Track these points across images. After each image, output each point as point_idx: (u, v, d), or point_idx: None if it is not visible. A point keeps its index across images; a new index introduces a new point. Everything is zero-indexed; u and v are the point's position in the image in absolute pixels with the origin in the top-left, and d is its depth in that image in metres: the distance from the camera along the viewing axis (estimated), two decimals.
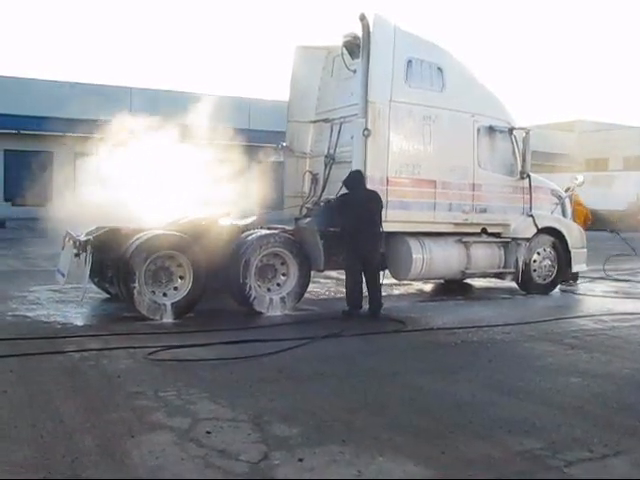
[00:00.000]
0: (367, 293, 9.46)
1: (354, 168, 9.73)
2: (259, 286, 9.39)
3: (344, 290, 9.79)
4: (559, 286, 12.55)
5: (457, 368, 6.69)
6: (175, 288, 8.91)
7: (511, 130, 11.52)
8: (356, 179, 9.46)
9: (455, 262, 10.96)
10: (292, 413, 5.11)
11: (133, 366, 6.42)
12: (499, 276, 11.91)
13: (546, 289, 12.14)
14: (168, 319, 8.66)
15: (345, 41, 10.37)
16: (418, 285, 12.69)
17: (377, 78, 9.84)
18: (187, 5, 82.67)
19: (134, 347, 7.02)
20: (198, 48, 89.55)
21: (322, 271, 10.32)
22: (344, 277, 9.88)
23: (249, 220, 10.07)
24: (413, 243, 10.41)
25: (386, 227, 9.91)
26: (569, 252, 12.36)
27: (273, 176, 11.55)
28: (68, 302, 9.72)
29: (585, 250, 12.66)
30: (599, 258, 14.89)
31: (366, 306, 9.40)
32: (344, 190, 9.58)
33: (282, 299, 9.47)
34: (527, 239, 11.71)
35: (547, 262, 12.10)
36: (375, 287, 9.46)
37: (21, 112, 28.71)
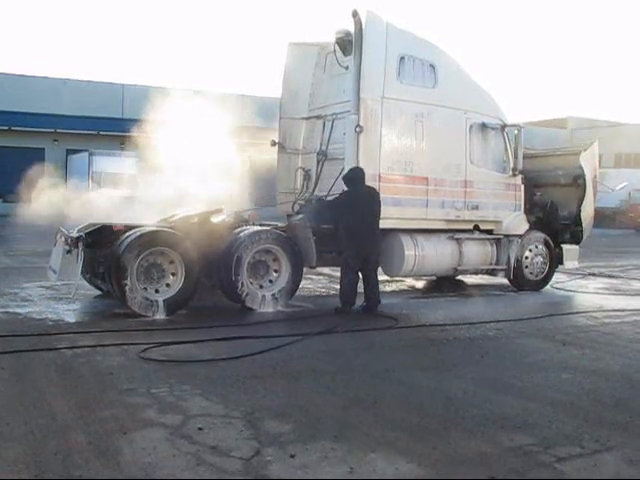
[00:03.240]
0: (364, 290, 9.46)
1: (346, 165, 9.74)
2: (251, 283, 9.37)
3: (337, 287, 9.78)
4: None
5: (449, 365, 6.70)
6: (167, 285, 8.89)
7: (503, 127, 11.55)
8: (358, 176, 9.43)
9: (447, 259, 10.98)
10: (284, 410, 5.11)
11: (125, 363, 6.40)
12: (491, 273, 11.93)
13: (538, 286, 12.19)
14: (160, 316, 8.63)
15: (337, 38, 10.36)
16: (410, 282, 12.71)
17: (369, 75, 9.83)
18: (180, 1, 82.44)
19: (126, 344, 7.01)
20: (191, 44, 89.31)
21: (314, 268, 10.30)
22: (338, 274, 9.86)
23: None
24: (405, 240, 10.43)
25: None
26: (561, 249, 12.43)
27: (265, 173, 11.53)
28: (60, 299, 9.68)
29: (577, 247, 12.72)
30: (591, 255, 14.94)
31: (358, 303, 9.40)
32: (343, 187, 9.56)
33: (274, 296, 9.44)
34: (519, 236, 11.74)
35: (539, 259, 12.14)
36: (374, 284, 9.46)
37: (12, 108, 28.57)
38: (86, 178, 23.60)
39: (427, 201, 10.58)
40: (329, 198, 10.05)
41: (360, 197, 9.36)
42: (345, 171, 9.64)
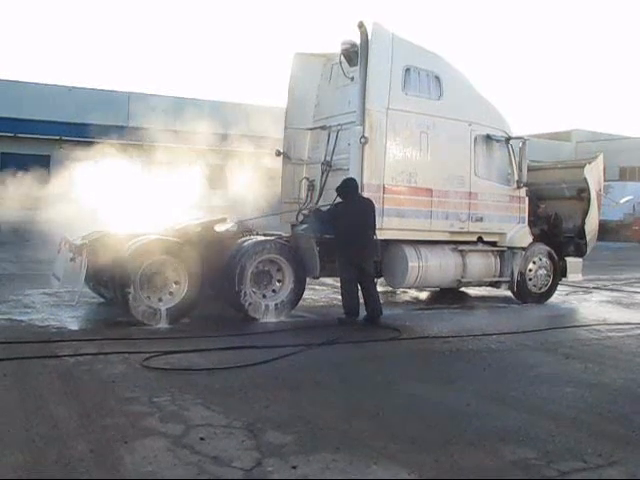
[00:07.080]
0: (364, 301, 9.44)
1: (351, 175, 9.74)
2: (254, 292, 9.37)
3: (340, 297, 9.77)
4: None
5: (452, 377, 6.68)
6: (170, 293, 8.89)
7: (508, 139, 11.55)
8: (350, 187, 9.44)
9: (451, 271, 10.96)
10: (286, 420, 5.10)
11: (127, 371, 6.39)
12: (494, 285, 11.91)
13: (541, 298, 12.16)
14: (163, 324, 8.64)
15: (343, 49, 10.39)
16: (413, 293, 12.69)
17: (375, 86, 9.86)
18: (187, 10, 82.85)
19: (129, 352, 7.00)
20: (197, 54, 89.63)
21: (317, 278, 10.29)
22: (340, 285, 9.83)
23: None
24: (409, 251, 10.41)
25: (382, 235, 9.91)
26: (565, 261, 12.42)
27: (270, 182, 11.53)
28: (63, 306, 9.69)
29: (581, 260, 12.70)
30: (595, 268, 14.91)
31: (363, 314, 9.39)
32: (338, 198, 9.57)
33: (277, 306, 9.44)
34: (523, 248, 11.73)
35: (543, 271, 12.13)
36: (372, 295, 9.44)
37: (18, 115, 28.65)
38: (92, 185, 23.54)
39: (431, 212, 10.57)
40: (324, 208, 10.04)
41: (351, 208, 9.36)
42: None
